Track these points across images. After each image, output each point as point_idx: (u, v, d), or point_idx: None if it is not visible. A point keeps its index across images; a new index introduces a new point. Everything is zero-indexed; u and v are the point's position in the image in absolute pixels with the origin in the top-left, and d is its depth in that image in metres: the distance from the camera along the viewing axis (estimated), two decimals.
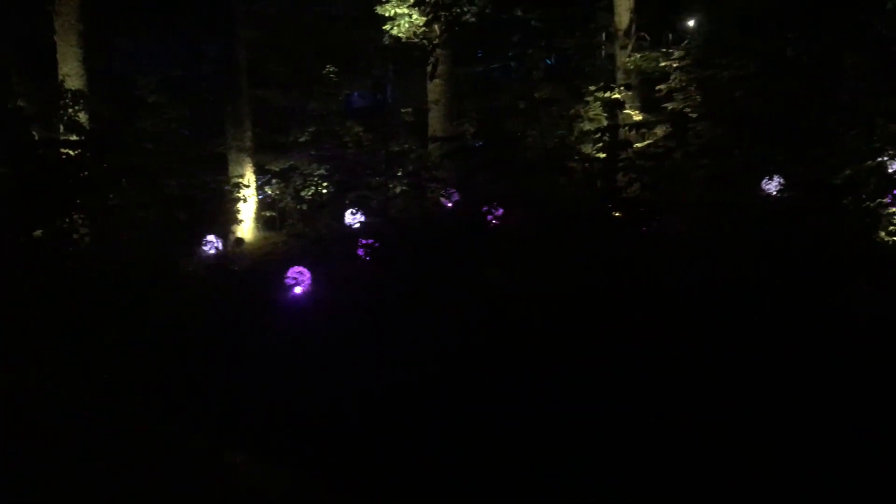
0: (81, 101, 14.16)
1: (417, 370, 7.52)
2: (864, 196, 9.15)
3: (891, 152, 9.30)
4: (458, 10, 14.78)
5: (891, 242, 9.08)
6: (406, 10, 15.08)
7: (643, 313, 7.45)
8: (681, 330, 7.18)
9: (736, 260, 7.96)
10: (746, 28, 12.01)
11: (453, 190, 13.10)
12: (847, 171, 9.38)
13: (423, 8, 14.82)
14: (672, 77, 13.05)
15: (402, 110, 18.11)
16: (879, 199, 9.19)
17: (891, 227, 9.20)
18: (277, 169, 18.01)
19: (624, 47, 14.19)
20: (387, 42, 16.39)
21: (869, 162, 9.38)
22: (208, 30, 18.28)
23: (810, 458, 5.50)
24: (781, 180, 10.43)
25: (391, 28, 15.49)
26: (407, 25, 15.32)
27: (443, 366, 7.55)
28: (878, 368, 6.30)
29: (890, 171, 9.46)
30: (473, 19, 14.98)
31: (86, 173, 11.79)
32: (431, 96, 16.35)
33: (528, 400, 6.70)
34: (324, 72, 16.61)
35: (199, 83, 19.48)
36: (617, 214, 9.58)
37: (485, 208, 10.59)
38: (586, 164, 10.94)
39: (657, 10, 14.79)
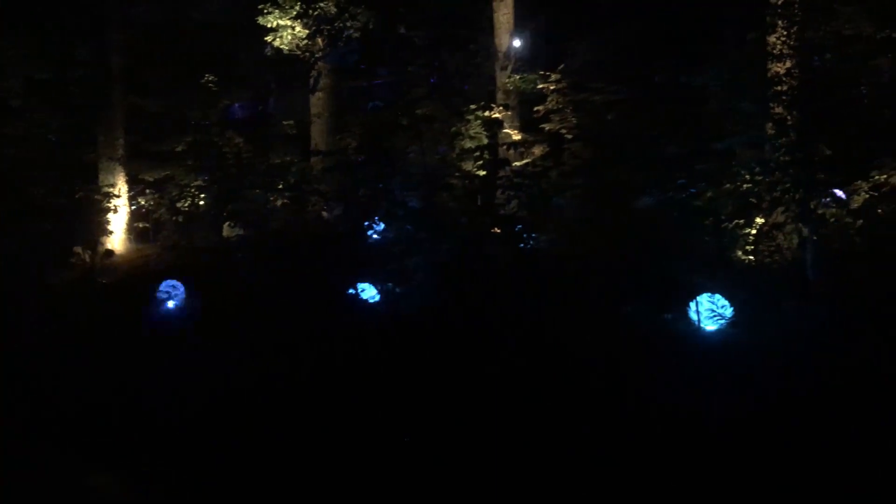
0: None
1: (282, 382, 7.54)
2: (723, 217, 9.69)
3: (747, 177, 9.84)
4: (342, 25, 14.75)
5: (747, 261, 9.66)
6: (288, 22, 14.89)
7: (513, 326, 7.68)
8: (549, 340, 7.44)
9: (604, 273, 8.30)
10: (618, 55, 12.54)
11: (335, 204, 13.05)
12: (708, 194, 9.89)
13: (305, 21, 14.69)
14: (549, 99, 13.48)
15: (284, 122, 17.86)
16: (737, 221, 9.76)
17: (747, 247, 9.78)
18: (152, 179, 17.40)
19: (504, 68, 14.54)
20: (269, 53, 16.14)
21: (728, 185, 9.90)
22: (79, 31, 17.50)
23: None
24: (649, 200, 10.89)
25: (273, 39, 15.26)
26: (289, 38, 15.13)
27: (309, 377, 7.60)
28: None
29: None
30: (357, 34, 14.98)
31: None
32: (314, 109, 16.23)
33: (383, 411, 6.85)
34: (202, 80, 16.21)
35: (68, 87, 18.59)
36: (495, 230, 9.80)
37: (365, 223, 10.62)
38: (467, 181, 11.15)
39: (536, 33, 15.23)
